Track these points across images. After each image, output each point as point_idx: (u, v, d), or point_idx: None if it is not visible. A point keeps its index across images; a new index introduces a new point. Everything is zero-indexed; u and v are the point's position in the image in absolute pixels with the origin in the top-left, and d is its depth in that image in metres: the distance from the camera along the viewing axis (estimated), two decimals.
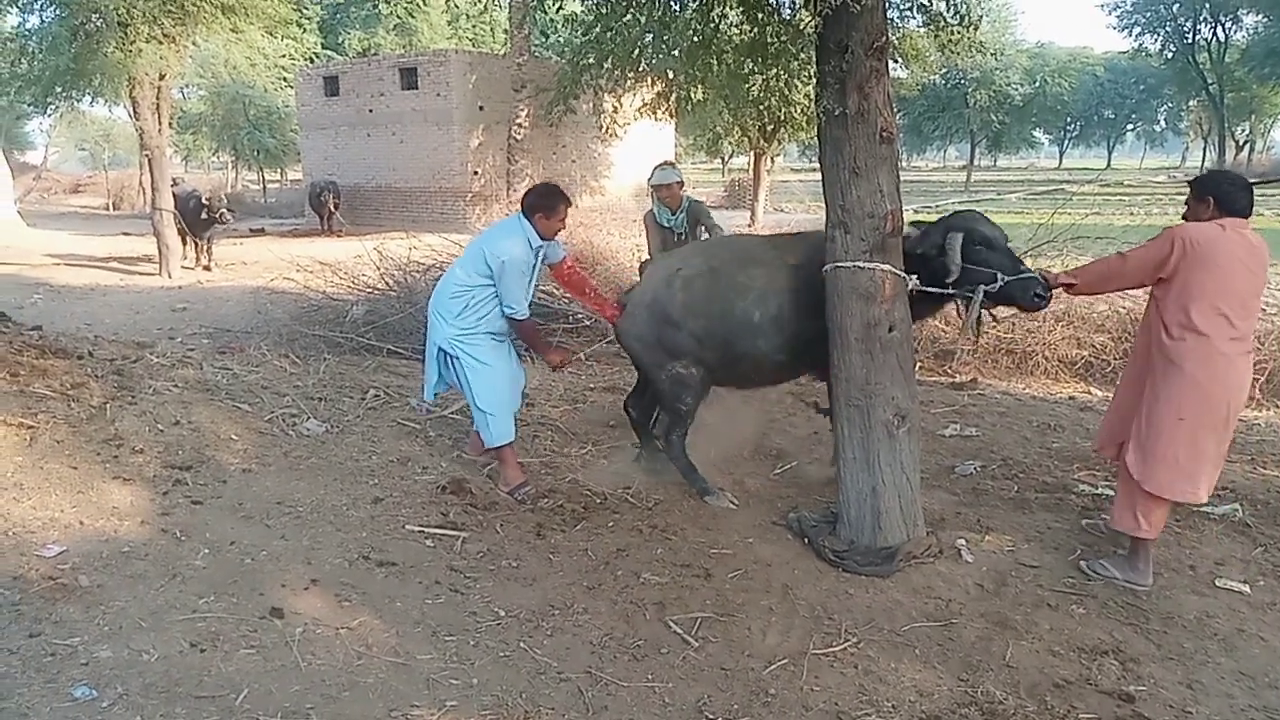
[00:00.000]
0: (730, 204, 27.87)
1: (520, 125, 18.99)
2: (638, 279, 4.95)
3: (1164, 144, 66.10)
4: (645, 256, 6.37)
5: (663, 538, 4.03)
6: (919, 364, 6.87)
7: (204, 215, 13.91)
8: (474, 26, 34.78)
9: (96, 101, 15.39)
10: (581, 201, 19.64)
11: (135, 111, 12.97)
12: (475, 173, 21.72)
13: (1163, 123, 59.51)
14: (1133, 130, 62.12)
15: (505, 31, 27.42)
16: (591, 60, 12.87)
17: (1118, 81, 52.66)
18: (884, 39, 3.56)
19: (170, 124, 14.47)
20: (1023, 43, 41.74)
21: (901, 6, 4.47)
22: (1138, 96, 54.51)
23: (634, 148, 21.82)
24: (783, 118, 14.29)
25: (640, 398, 4.86)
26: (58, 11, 11.83)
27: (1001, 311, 4.31)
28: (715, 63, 4.54)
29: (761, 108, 12.90)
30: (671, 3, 4.28)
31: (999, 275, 3.74)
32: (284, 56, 28.37)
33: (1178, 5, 40.65)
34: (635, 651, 3.15)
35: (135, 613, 3.02)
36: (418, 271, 8.40)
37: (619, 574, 3.68)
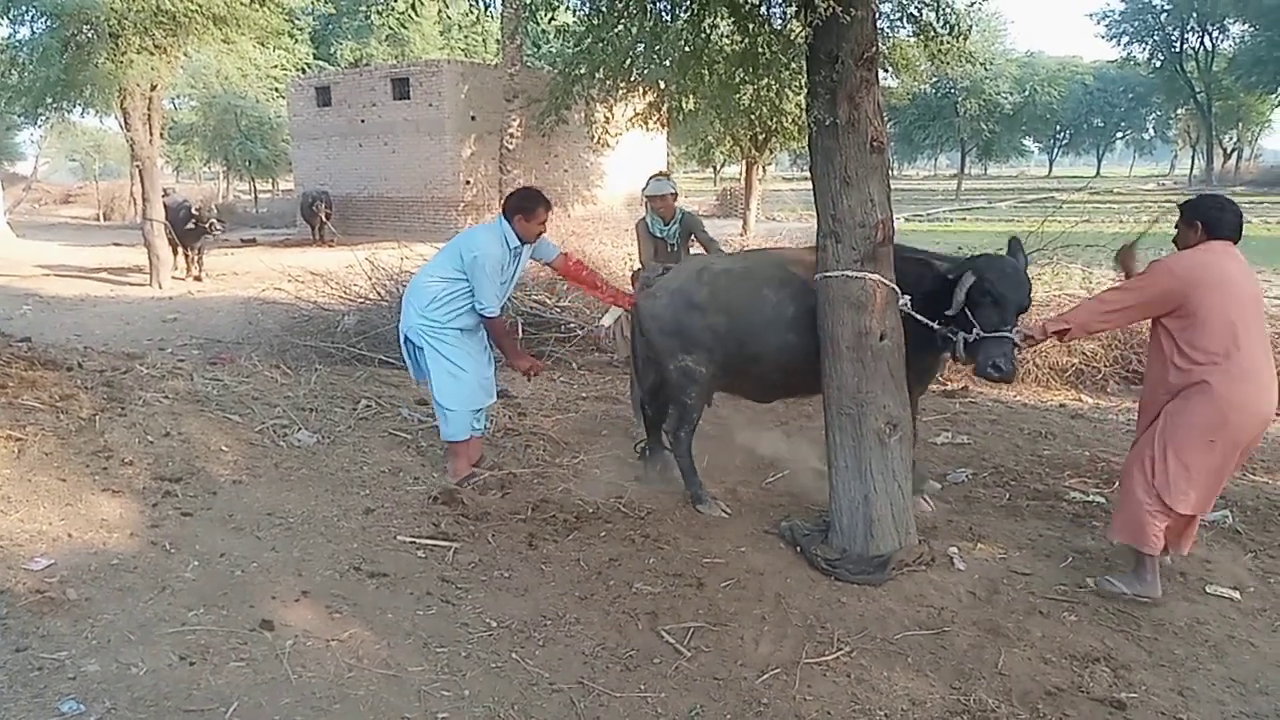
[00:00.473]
0: (722, 213, 27.92)
1: (512, 135, 19.01)
2: (630, 288, 4.97)
3: (1153, 152, 66.64)
4: (638, 265, 6.38)
5: (655, 547, 4.02)
6: None
7: (191, 224, 13.88)
8: (466, 37, 34.83)
9: (87, 112, 15.32)
10: (574, 211, 19.70)
11: (126, 122, 12.95)
12: (467, 182, 21.75)
13: (1151, 131, 60.01)
14: (1122, 138, 62.63)
15: (497, 42, 27.44)
16: (583, 70, 12.92)
17: (1107, 90, 53.09)
18: (874, 49, 3.59)
19: (161, 134, 14.44)
20: (1012, 52, 42.12)
21: (891, 17, 4.49)
22: (1126, 105, 54.98)
23: (626, 157, 21.87)
24: (774, 127, 14.31)
25: (655, 397, 4.85)
26: (49, 23, 11.80)
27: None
28: (706, 73, 4.55)
29: (753, 117, 12.92)
30: (663, 13, 4.30)
31: (975, 330, 3.73)
32: (276, 67, 28.36)
33: (1165, 15, 41.07)
34: (628, 662, 3.14)
35: (124, 626, 3.00)
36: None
37: (611, 584, 3.67)
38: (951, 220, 26.82)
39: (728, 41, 4.69)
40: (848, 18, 3.39)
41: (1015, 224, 18.52)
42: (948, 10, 4.26)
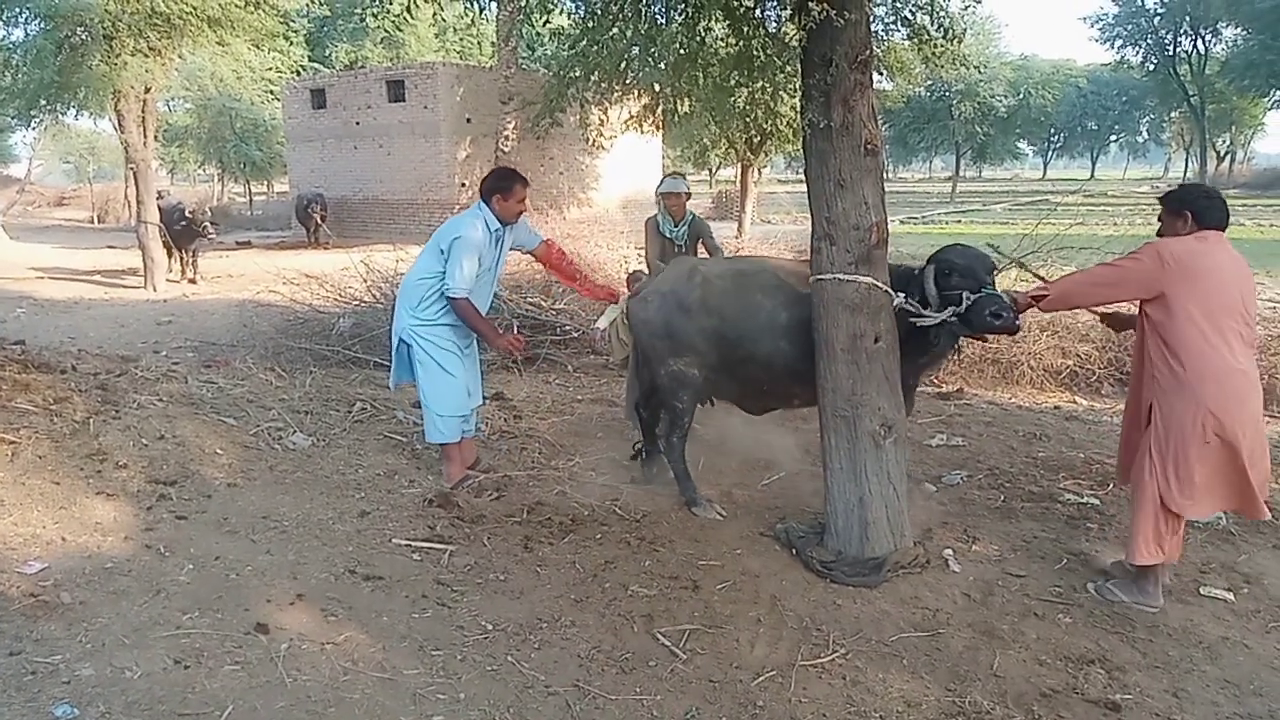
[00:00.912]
0: (718, 215, 27.90)
1: (507, 137, 19.02)
2: (625, 290, 4.96)
3: (1147, 155, 66.92)
4: (633, 267, 6.40)
5: (651, 550, 4.02)
6: None
7: (180, 226, 13.85)
8: (461, 39, 34.82)
9: (81, 115, 15.31)
10: (569, 213, 19.67)
11: (121, 124, 12.91)
12: (462, 185, 21.73)
13: (1145, 134, 60.23)
14: (1116, 141, 62.85)
15: (493, 44, 27.51)
16: (578, 73, 12.83)
17: (1100, 93, 53.22)
18: (868, 52, 3.59)
19: (156, 137, 14.43)
20: (1006, 55, 42.16)
21: (885, 20, 4.49)
22: (1120, 108, 55.13)
23: (621, 160, 21.90)
24: (769, 130, 14.35)
25: (649, 401, 4.83)
26: (42, 25, 11.76)
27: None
28: (701, 76, 4.56)
29: (748, 120, 12.94)
30: (657, 16, 4.30)
31: (964, 296, 3.72)
32: (271, 69, 28.25)
33: (1159, 19, 41.23)
34: (623, 664, 3.14)
35: (118, 630, 2.99)
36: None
37: (607, 586, 3.67)
38: (946, 223, 26.87)
39: (722, 44, 4.70)
40: (842, 21, 3.40)
41: (1010, 226, 18.56)
42: (942, 14, 4.28)
